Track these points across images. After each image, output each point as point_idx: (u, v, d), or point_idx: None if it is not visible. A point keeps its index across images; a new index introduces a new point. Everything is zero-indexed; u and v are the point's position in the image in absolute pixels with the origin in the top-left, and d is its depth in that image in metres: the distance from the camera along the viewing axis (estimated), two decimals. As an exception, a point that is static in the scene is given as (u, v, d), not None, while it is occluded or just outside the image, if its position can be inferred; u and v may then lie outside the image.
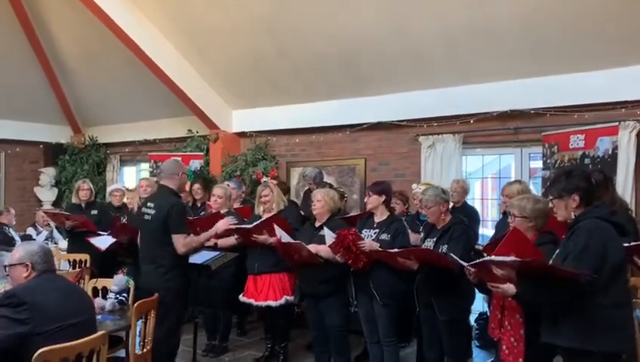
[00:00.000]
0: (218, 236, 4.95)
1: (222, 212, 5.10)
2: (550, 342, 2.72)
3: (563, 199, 2.77)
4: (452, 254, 3.44)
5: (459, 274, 3.34)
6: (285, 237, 4.46)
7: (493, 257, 2.75)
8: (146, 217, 4.21)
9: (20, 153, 9.62)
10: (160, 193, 4.30)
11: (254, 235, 4.69)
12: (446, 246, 3.78)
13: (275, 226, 4.52)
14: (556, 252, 2.76)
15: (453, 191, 5.20)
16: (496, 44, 5.50)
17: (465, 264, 3.13)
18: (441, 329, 3.88)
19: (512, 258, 2.66)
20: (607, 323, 2.54)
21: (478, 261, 2.95)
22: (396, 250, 3.91)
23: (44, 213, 7.41)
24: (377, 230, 4.20)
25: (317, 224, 4.49)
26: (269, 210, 4.84)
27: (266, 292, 4.75)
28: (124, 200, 6.62)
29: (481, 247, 3.82)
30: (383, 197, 4.25)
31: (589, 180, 2.81)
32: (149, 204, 4.25)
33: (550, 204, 2.89)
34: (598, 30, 5.03)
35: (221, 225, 4.43)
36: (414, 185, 5.33)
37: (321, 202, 4.43)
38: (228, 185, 5.72)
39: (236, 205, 5.75)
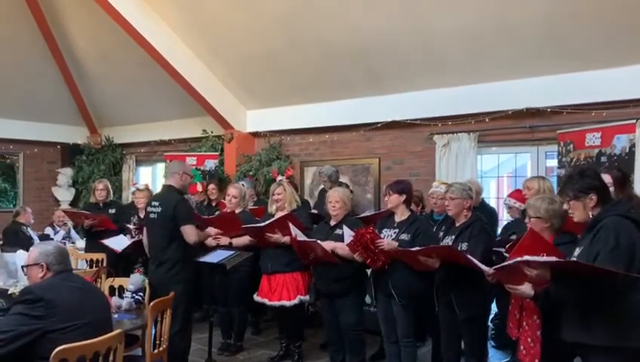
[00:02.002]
0: (232, 235, 4.99)
1: (237, 211, 5.12)
2: (577, 342, 2.63)
3: (580, 200, 2.71)
4: (471, 257, 3.41)
5: (480, 271, 3.32)
6: (301, 236, 4.46)
7: (528, 257, 2.64)
8: (152, 216, 4.38)
9: (37, 154, 9.75)
10: (164, 192, 4.49)
11: (267, 234, 4.70)
12: (466, 244, 3.73)
13: (290, 224, 4.52)
14: (576, 250, 2.70)
15: None
16: (512, 41, 5.44)
17: (486, 268, 3.08)
18: (460, 328, 3.84)
19: (550, 258, 2.61)
20: (638, 319, 2.49)
21: (508, 263, 2.88)
22: (417, 248, 3.86)
23: (64, 212, 7.49)
24: (397, 229, 4.15)
25: (332, 223, 4.49)
26: (282, 209, 4.85)
27: (280, 292, 4.76)
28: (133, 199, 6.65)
29: (502, 250, 3.77)
30: (404, 197, 4.20)
31: (601, 178, 2.75)
32: (153, 203, 4.43)
33: (565, 206, 2.82)
34: (614, 27, 4.95)
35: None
36: (435, 184, 5.25)
37: (339, 203, 4.43)
38: (243, 185, 5.74)
39: (250, 205, 5.76)
